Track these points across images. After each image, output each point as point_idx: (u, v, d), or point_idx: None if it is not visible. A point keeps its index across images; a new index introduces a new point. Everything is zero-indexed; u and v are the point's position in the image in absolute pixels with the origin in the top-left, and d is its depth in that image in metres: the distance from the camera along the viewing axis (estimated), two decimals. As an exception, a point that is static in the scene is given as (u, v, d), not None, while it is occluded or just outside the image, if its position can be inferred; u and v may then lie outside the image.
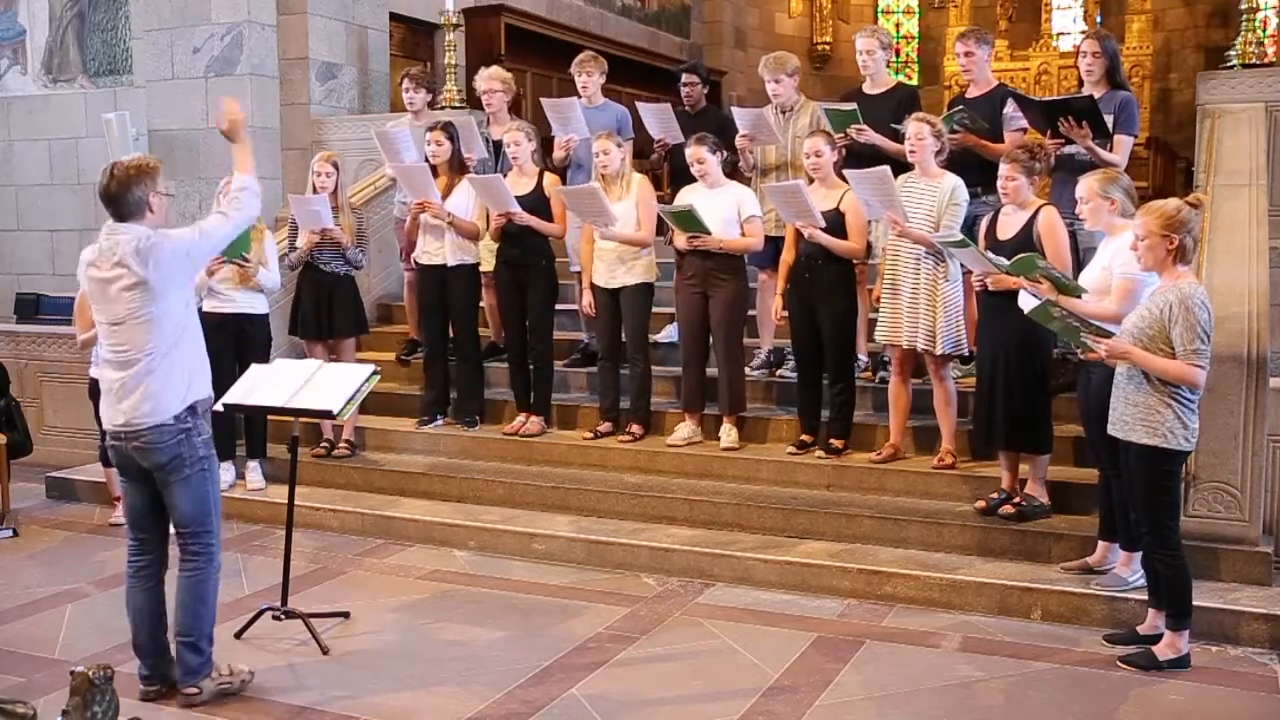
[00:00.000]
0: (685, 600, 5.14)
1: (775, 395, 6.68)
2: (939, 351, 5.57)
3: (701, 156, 6.12)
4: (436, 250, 6.69)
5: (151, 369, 3.91)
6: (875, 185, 5.53)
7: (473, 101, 8.59)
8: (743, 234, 6.12)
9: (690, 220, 5.97)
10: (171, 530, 4.16)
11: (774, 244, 6.56)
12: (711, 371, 6.35)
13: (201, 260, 4.30)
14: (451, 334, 6.88)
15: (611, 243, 6.28)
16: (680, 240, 6.13)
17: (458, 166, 6.76)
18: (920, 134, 5.55)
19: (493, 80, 7.18)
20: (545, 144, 7.39)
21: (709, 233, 6.00)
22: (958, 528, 5.33)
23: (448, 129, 6.73)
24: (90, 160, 9.66)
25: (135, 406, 3.92)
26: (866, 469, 5.85)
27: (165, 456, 3.95)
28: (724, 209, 6.09)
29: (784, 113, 6.59)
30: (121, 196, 3.91)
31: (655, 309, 6.80)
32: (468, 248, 6.71)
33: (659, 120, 6.91)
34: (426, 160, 6.76)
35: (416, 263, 6.85)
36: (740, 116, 6.54)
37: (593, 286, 6.50)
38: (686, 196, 6.24)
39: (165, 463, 3.96)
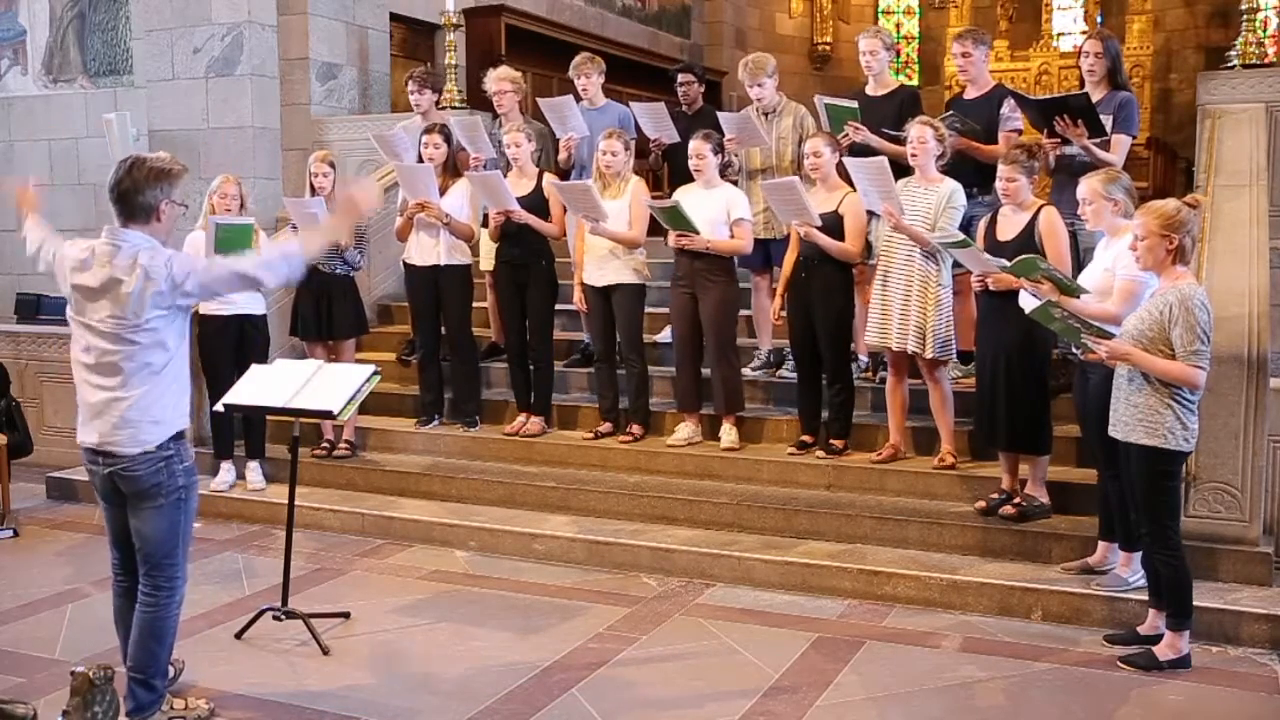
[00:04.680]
0: (685, 600, 5.14)
1: (775, 395, 6.68)
2: (928, 355, 5.57)
3: (703, 153, 6.12)
4: (431, 250, 6.68)
5: (138, 386, 3.62)
6: (873, 175, 5.54)
7: (474, 101, 8.61)
8: (731, 236, 6.12)
9: (677, 218, 5.97)
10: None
11: (764, 246, 6.57)
12: (708, 372, 6.35)
13: (203, 285, 3.72)
14: (445, 334, 6.87)
15: (602, 241, 6.29)
16: (670, 239, 6.13)
17: (452, 169, 6.75)
18: (923, 137, 5.55)
19: (502, 81, 7.16)
20: (557, 145, 7.37)
21: (697, 231, 6.00)
22: (958, 528, 5.33)
23: (443, 130, 6.73)
24: (91, 160, 9.67)
25: (112, 429, 3.63)
26: (866, 469, 5.85)
27: (144, 485, 3.67)
28: (713, 210, 6.09)
29: (766, 115, 6.60)
30: (132, 196, 3.62)
31: (655, 309, 6.81)
32: (461, 248, 6.71)
33: (653, 120, 6.91)
34: (421, 161, 6.75)
35: (407, 263, 6.83)
36: (726, 120, 6.55)
37: (584, 285, 6.51)
38: (679, 195, 6.24)
39: (142, 490, 3.68)
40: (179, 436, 3.75)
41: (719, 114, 6.80)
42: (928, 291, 5.56)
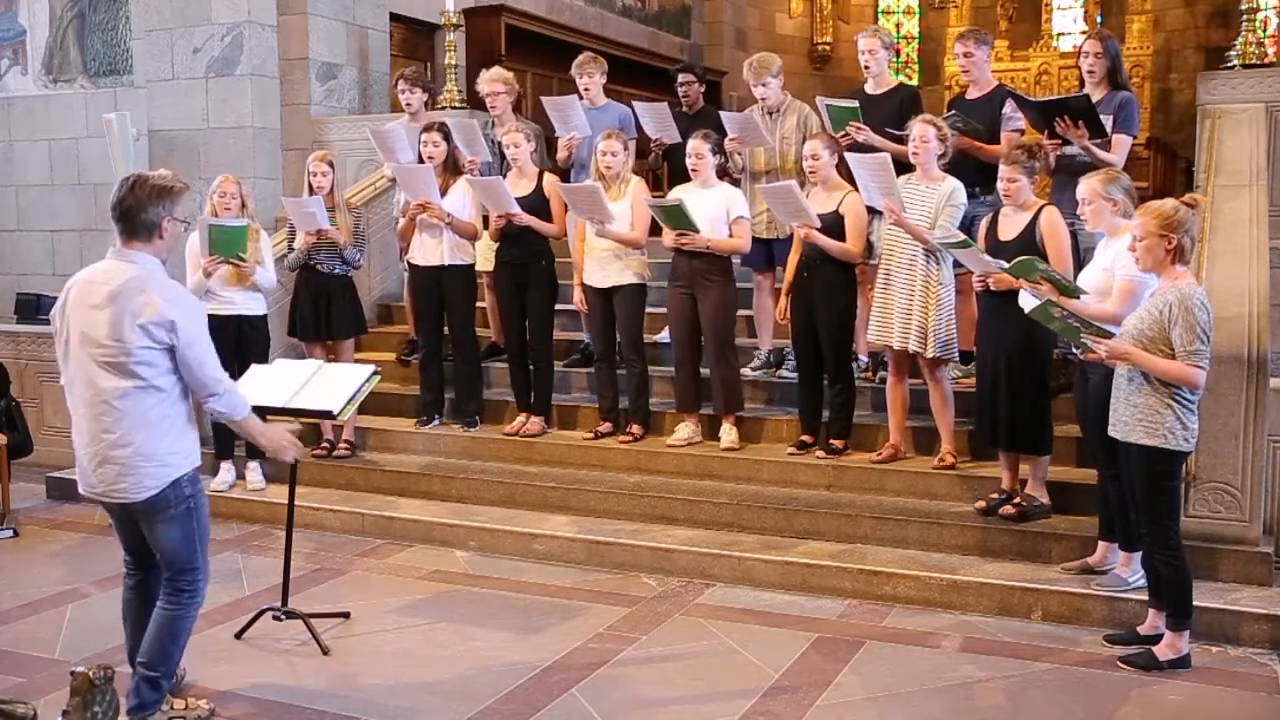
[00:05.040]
0: (685, 600, 5.14)
1: (775, 395, 6.68)
2: (930, 354, 5.58)
3: (701, 152, 6.12)
4: (433, 250, 6.68)
5: (136, 431, 3.60)
6: (875, 171, 5.55)
7: (473, 101, 8.61)
8: (730, 235, 6.12)
9: (679, 216, 5.96)
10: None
11: (767, 246, 6.57)
12: (707, 371, 6.35)
13: (186, 363, 3.70)
14: (448, 334, 6.88)
15: (603, 241, 6.29)
16: (668, 239, 6.13)
17: (453, 167, 6.75)
18: (925, 136, 5.55)
19: (495, 82, 7.17)
20: (550, 143, 7.38)
21: (697, 230, 6.00)
22: (958, 528, 5.33)
23: (442, 129, 6.72)
24: (90, 160, 9.67)
25: (116, 478, 3.64)
26: (866, 469, 5.85)
27: (147, 504, 3.68)
28: (713, 208, 6.08)
29: (770, 114, 6.60)
30: (135, 214, 3.62)
31: (654, 309, 6.81)
32: (464, 247, 6.71)
33: (655, 119, 6.91)
34: (421, 161, 6.75)
35: (411, 264, 6.83)
36: (729, 120, 6.55)
37: (585, 286, 6.51)
38: (678, 194, 6.24)
39: (147, 508, 3.70)
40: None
41: (721, 114, 6.80)
42: (929, 291, 5.56)
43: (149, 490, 3.66)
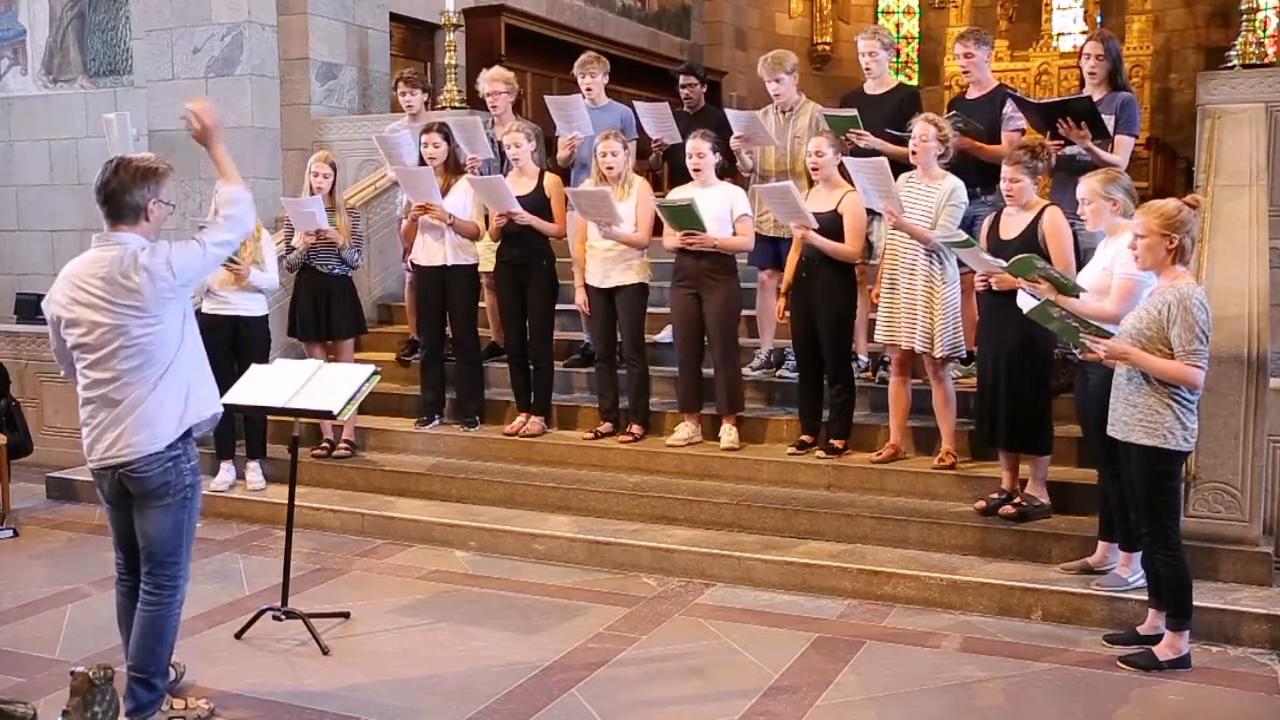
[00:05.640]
0: (685, 600, 5.14)
1: (775, 395, 6.68)
2: (937, 354, 5.57)
3: (701, 151, 6.11)
4: (436, 251, 6.68)
5: (145, 397, 3.63)
6: (873, 175, 5.55)
7: (473, 102, 8.61)
8: (734, 233, 6.12)
9: (688, 216, 5.95)
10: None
11: (773, 244, 6.56)
12: (708, 371, 6.35)
13: (201, 276, 3.97)
14: (451, 334, 6.88)
15: (606, 243, 6.28)
16: (672, 240, 6.12)
17: (454, 167, 6.76)
18: (925, 135, 5.54)
19: (495, 81, 7.18)
20: (549, 143, 7.38)
21: (704, 230, 5.99)
22: (958, 528, 5.33)
23: (443, 129, 6.73)
24: (90, 160, 9.66)
25: (127, 439, 3.64)
26: (866, 469, 5.85)
27: (152, 484, 3.68)
28: (716, 207, 6.07)
29: (784, 112, 6.59)
30: (120, 197, 3.65)
31: (654, 309, 6.81)
32: (467, 247, 6.71)
33: (656, 119, 6.91)
34: (422, 161, 6.75)
35: (415, 264, 6.84)
36: (734, 119, 6.54)
37: (587, 286, 6.51)
38: (680, 194, 6.23)
39: (151, 490, 3.70)
40: (187, 435, 3.76)
41: (728, 112, 6.78)
42: (934, 291, 5.55)
43: (158, 444, 3.64)
